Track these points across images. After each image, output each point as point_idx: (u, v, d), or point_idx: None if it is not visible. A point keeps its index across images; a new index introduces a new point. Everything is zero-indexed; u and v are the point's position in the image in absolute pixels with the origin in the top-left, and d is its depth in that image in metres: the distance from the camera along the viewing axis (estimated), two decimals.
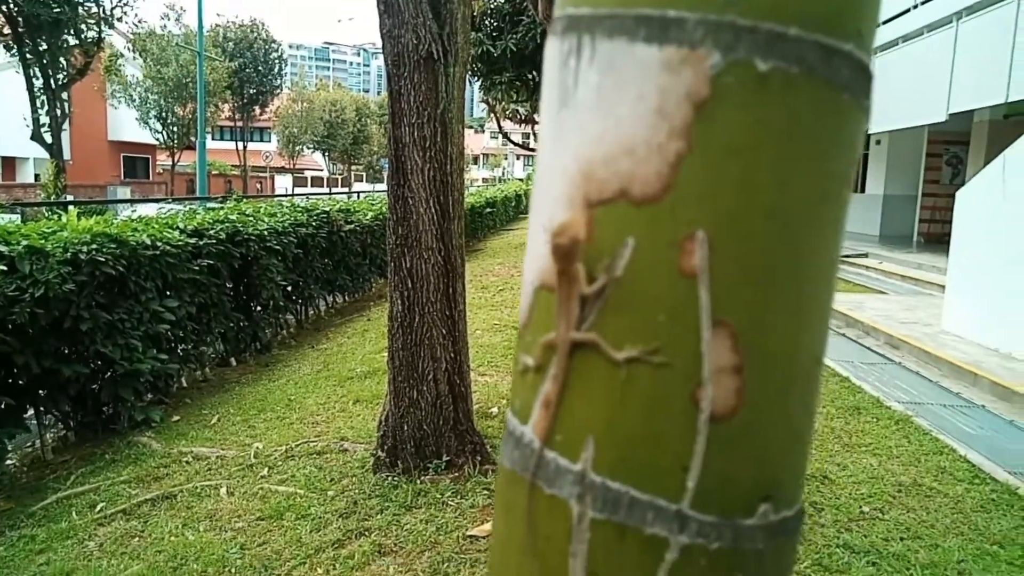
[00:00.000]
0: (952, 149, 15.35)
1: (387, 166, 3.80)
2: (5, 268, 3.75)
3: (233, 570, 2.90)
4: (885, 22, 13.54)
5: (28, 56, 19.03)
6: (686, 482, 0.57)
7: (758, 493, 0.59)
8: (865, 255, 13.09)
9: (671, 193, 0.56)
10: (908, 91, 12.21)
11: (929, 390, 5.36)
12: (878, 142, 16.44)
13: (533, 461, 0.62)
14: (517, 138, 24.06)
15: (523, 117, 19.92)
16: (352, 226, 8.38)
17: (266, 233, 6.29)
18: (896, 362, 6.17)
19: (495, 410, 4.65)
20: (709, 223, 0.56)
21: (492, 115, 21.53)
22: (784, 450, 0.61)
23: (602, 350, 0.59)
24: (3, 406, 3.80)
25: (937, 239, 14.37)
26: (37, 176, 26.78)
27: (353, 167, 52.74)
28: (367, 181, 52.04)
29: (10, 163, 28.74)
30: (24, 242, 3.94)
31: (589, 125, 0.60)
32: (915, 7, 12.42)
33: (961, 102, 10.58)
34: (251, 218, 6.29)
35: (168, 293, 4.97)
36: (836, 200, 0.60)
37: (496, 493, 0.69)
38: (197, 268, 5.21)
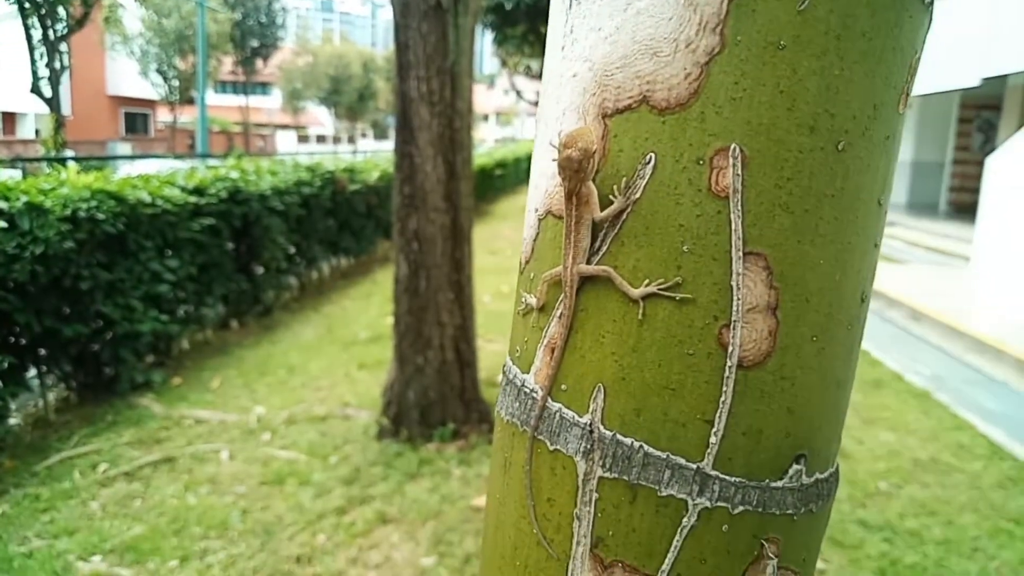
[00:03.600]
0: (984, 114, 14.82)
1: (393, 121, 3.68)
2: (5, 225, 3.67)
3: (235, 534, 2.90)
4: None
5: (26, 6, 18.67)
6: (709, 437, 0.51)
7: (790, 451, 0.53)
8: (890, 224, 12.86)
9: (700, 99, 0.48)
10: (941, 53, 11.80)
11: (951, 365, 5.28)
12: (908, 105, 16.05)
13: (535, 413, 0.56)
14: (530, 96, 23.59)
15: (537, 73, 19.57)
16: (357, 186, 8.25)
17: (268, 192, 6.17)
18: (918, 335, 6.07)
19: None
20: (743, 136, 0.48)
21: (505, 69, 21.20)
22: (821, 403, 0.54)
23: (616, 285, 0.52)
24: (6, 365, 3.75)
25: (965, 208, 14.06)
26: (37, 131, 26.54)
27: (359, 124, 52.18)
28: (374, 138, 51.53)
29: (10, 118, 28.45)
30: (24, 198, 3.84)
31: (604, 21, 0.51)
32: None
33: (996, 66, 10.20)
34: (253, 176, 6.17)
35: (168, 253, 4.89)
36: (890, 115, 0.52)
37: (493, 449, 0.62)
38: (198, 227, 5.11)
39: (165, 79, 32.47)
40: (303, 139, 48.18)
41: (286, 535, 2.88)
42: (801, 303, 0.51)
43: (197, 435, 3.84)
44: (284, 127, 46.99)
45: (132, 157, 18.40)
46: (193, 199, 5.12)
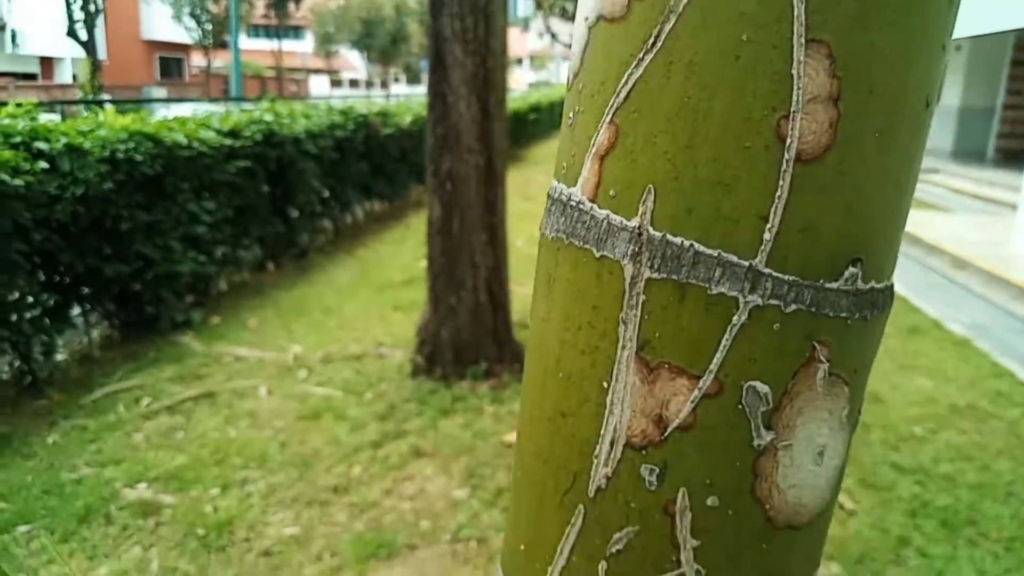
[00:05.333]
0: None
1: (426, 64, 3.62)
2: (47, 166, 3.73)
3: (274, 465, 2.98)
4: None
5: None
6: (763, 234, 0.49)
7: (847, 253, 0.51)
8: (936, 171, 12.40)
9: None
10: None
11: (994, 313, 5.13)
12: (958, 48, 15.08)
13: (582, 223, 0.54)
14: (566, 38, 23.00)
15: (573, 14, 19.04)
16: (391, 130, 8.20)
17: (302, 135, 6.16)
18: (961, 284, 5.90)
19: None
20: None
21: (539, 12, 20.63)
22: (880, 204, 0.52)
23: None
24: (51, 303, 3.87)
25: (1015, 155, 13.43)
26: (75, 76, 26.75)
27: (391, 68, 51.49)
28: (406, 83, 50.91)
29: (48, 63, 28.70)
30: (63, 139, 3.90)
31: None
32: None
33: None
34: (287, 119, 6.16)
35: (205, 195, 4.93)
36: None
37: (536, 270, 0.60)
38: (233, 170, 5.14)
39: (198, 23, 32.32)
40: (336, 83, 47.86)
41: (323, 467, 2.96)
42: (864, 95, 0.48)
43: (236, 372, 3.94)
44: (317, 71, 46.66)
45: (168, 100, 18.49)
46: (228, 141, 5.14)
